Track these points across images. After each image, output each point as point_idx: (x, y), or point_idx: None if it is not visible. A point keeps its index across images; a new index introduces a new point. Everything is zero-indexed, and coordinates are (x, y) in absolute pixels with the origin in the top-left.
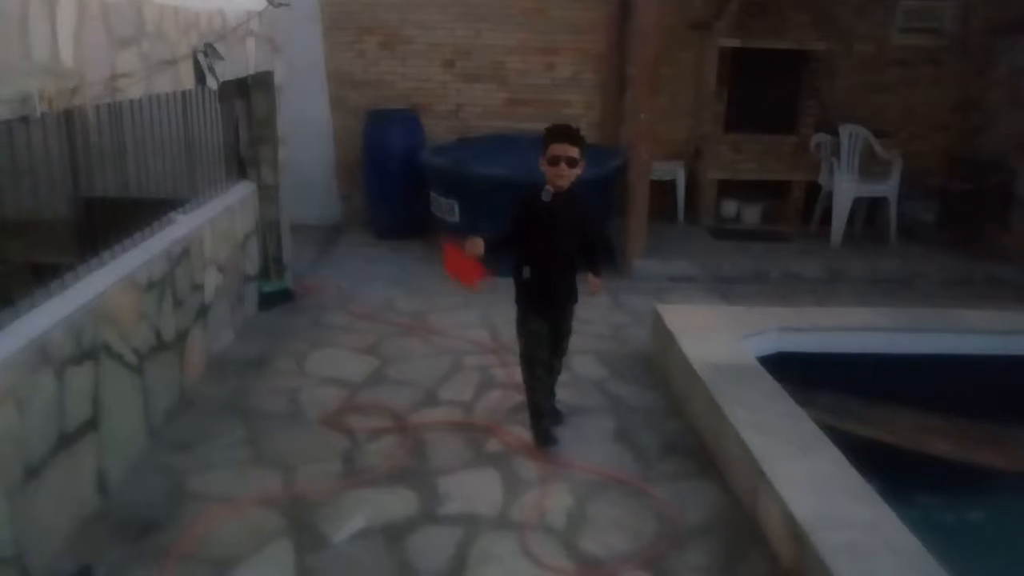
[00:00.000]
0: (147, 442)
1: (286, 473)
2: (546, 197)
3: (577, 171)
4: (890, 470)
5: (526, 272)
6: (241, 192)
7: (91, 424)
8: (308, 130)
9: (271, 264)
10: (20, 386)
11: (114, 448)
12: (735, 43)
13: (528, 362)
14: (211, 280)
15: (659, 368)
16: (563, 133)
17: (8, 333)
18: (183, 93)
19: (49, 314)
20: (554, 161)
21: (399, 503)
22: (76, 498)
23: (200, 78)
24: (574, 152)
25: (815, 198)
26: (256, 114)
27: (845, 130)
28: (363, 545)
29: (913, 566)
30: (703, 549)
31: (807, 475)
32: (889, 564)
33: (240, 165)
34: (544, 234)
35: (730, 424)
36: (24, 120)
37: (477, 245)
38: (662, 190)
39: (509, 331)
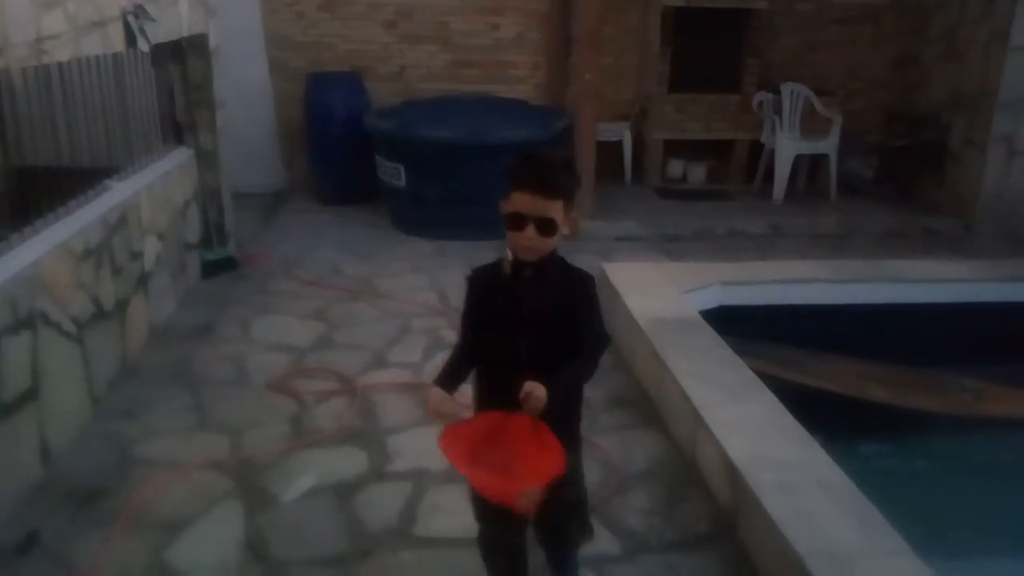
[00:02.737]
0: (91, 411)
1: (233, 437)
2: (506, 269)
3: (554, 240)
4: (834, 420)
5: (476, 391)
6: (178, 158)
7: (31, 394)
8: (247, 95)
9: (213, 232)
10: None
11: (56, 417)
12: (679, 2)
13: (482, 545)
14: (150, 248)
15: (606, 325)
16: (535, 175)
17: None
18: (114, 57)
19: None
20: (515, 223)
21: (348, 462)
22: (18, 468)
23: (131, 40)
24: (551, 210)
25: (759, 156)
26: (191, 78)
27: (787, 88)
28: (313, 503)
29: (841, 498)
30: (645, 493)
31: (743, 420)
32: (818, 498)
33: (177, 131)
34: (502, 332)
35: (671, 374)
36: None
37: (435, 400)
38: (609, 151)
39: (457, 294)
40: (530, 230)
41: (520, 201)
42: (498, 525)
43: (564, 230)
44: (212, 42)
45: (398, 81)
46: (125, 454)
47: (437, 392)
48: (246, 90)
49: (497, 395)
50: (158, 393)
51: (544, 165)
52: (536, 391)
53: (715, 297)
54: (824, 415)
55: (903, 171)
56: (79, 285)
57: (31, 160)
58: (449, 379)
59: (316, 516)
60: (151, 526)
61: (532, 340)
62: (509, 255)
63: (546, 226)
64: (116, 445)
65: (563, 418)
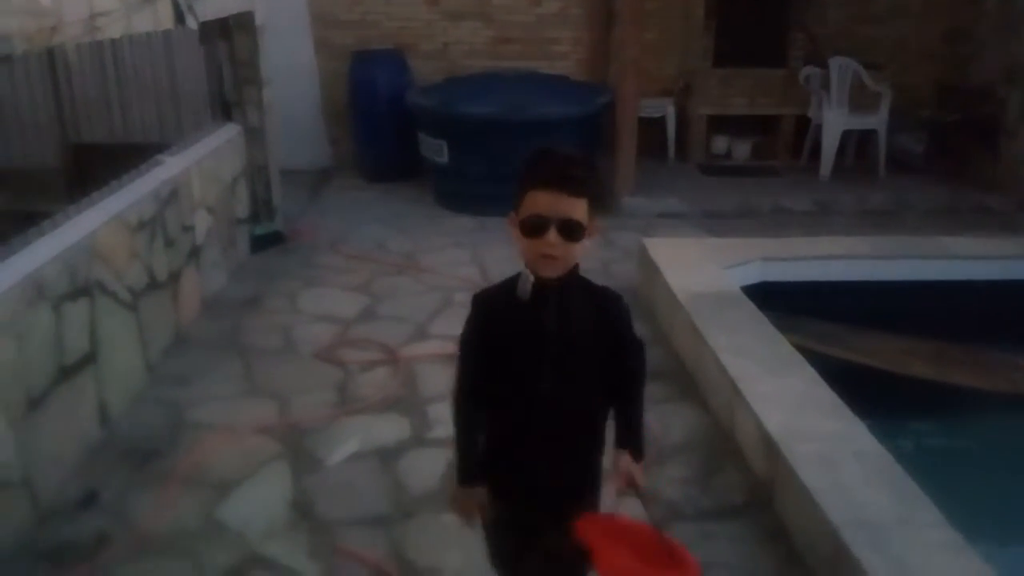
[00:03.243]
0: (145, 377)
1: (281, 403)
2: (524, 293)
3: (580, 249)
4: (878, 398)
5: (485, 441)
6: (227, 135)
7: (90, 358)
8: (293, 74)
9: (261, 207)
10: (18, 320)
11: (114, 381)
12: None
13: None
14: (201, 222)
15: (645, 300)
16: (555, 170)
17: (3, 268)
18: (164, 34)
19: (42, 252)
20: (535, 227)
21: (391, 429)
22: (79, 428)
23: (179, 18)
24: (576, 210)
25: (806, 132)
26: (238, 55)
27: (835, 63)
28: (357, 467)
29: (878, 470)
30: (682, 464)
31: (781, 393)
32: (855, 469)
33: (225, 108)
34: (520, 369)
35: (709, 348)
36: (7, 60)
37: (464, 496)
38: (652, 128)
39: (498, 268)
40: (552, 235)
41: (539, 202)
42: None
43: (588, 240)
44: (258, 20)
45: (441, 58)
46: (178, 418)
47: (471, 502)
48: (292, 69)
49: (509, 446)
50: (210, 361)
51: (564, 159)
52: (635, 479)
53: (756, 273)
54: (867, 392)
55: (955, 147)
56: (134, 256)
57: (87, 137)
58: (472, 464)
59: (360, 479)
60: (203, 485)
61: (558, 377)
62: (529, 275)
63: (571, 229)
64: (170, 409)
65: (586, 472)
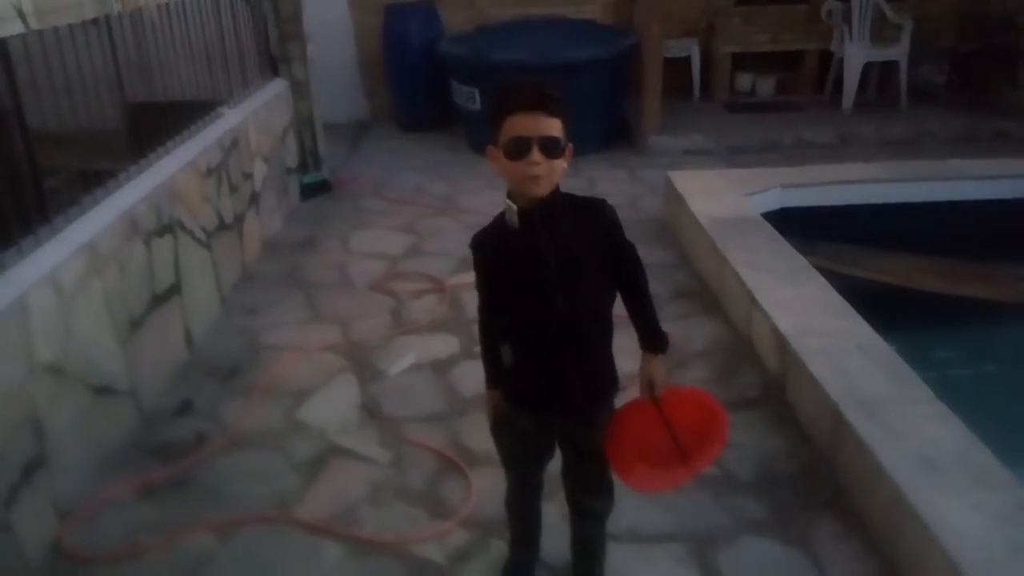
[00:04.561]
0: (220, 308)
1: (343, 327)
2: (512, 223)
3: (561, 167)
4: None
5: (507, 356)
6: (276, 89)
7: (175, 289)
8: (330, 30)
9: (308, 157)
10: (120, 251)
11: (195, 310)
12: None
13: (508, 499)
14: (259, 170)
15: (671, 229)
16: (530, 93)
17: (104, 207)
18: None
19: (133, 193)
20: (518, 149)
21: (442, 345)
22: (170, 349)
23: None
24: (553, 128)
25: (829, 67)
26: (282, 12)
27: None
28: (415, 376)
29: (878, 359)
30: (703, 367)
31: (794, 300)
32: (857, 359)
33: (272, 63)
34: (530, 292)
35: (730, 265)
36: (94, 22)
37: (491, 399)
38: (677, 68)
39: None
40: (536, 154)
41: (518, 124)
42: (520, 461)
43: (564, 162)
44: None
45: (470, 8)
46: (254, 341)
47: (497, 402)
48: (328, 25)
49: (537, 362)
50: (275, 294)
51: (537, 84)
52: (656, 376)
53: (776, 199)
54: (881, 308)
55: (975, 76)
56: (205, 199)
57: (145, 97)
58: (497, 374)
59: (418, 385)
60: (283, 394)
61: (568, 292)
62: (512, 205)
63: (551, 146)
64: (245, 335)
65: (599, 372)
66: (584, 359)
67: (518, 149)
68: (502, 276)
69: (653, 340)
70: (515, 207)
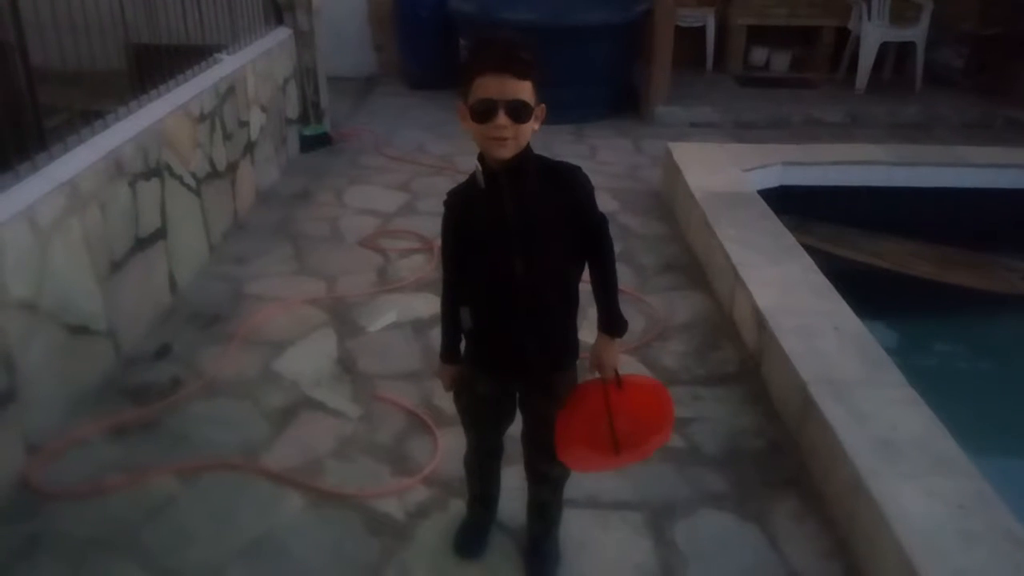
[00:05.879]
0: (208, 256)
1: (328, 281)
2: (480, 181)
3: (532, 126)
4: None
5: (466, 319)
6: (279, 37)
7: (160, 233)
8: None
9: (310, 109)
10: (102, 191)
11: (181, 256)
12: None
13: (467, 459)
14: (256, 119)
15: (667, 201)
16: (500, 54)
17: (89, 146)
18: None
19: (120, 134)
20: (484, 111)
21: (424, 304)
22: (152, 293)
23: None
24: (522, 91)
25: (846, 44)
26: None
27: None
28: (394, 334)
29: (853, 341)
30: (683, 340)
31: (777, 278)
32: (832, 340)
33: (277, 11)
34: (491, 254)
35: (718, 240)
36: None
37: (443, 373)
38: (692, 37)
39: None
40: (502, 117)
41: (486, 86)
42: (480, 426)
43: (535, 124)
44: None
45: None
46: (238, 290)
47: (450, 376)
48: None
49: (495, 329)
50: (264, 245)
51: (508, 44)
52: (606, 361)
53: (776, 176)
54: (873, 292)
55: (995, 62)
56: (196, 144)
57: (148, 39)
58: (454, 348)
59: (396, 343)
60: (261, 344)
61: (527, 255)
62: (479, 166)
63: (519, 110)
64: (230, 283)
65: (557, 339)
66: (541, 323)
67: (484, 111)
68: (467, 235)
69: (610, 322)
70: (480, 167)
